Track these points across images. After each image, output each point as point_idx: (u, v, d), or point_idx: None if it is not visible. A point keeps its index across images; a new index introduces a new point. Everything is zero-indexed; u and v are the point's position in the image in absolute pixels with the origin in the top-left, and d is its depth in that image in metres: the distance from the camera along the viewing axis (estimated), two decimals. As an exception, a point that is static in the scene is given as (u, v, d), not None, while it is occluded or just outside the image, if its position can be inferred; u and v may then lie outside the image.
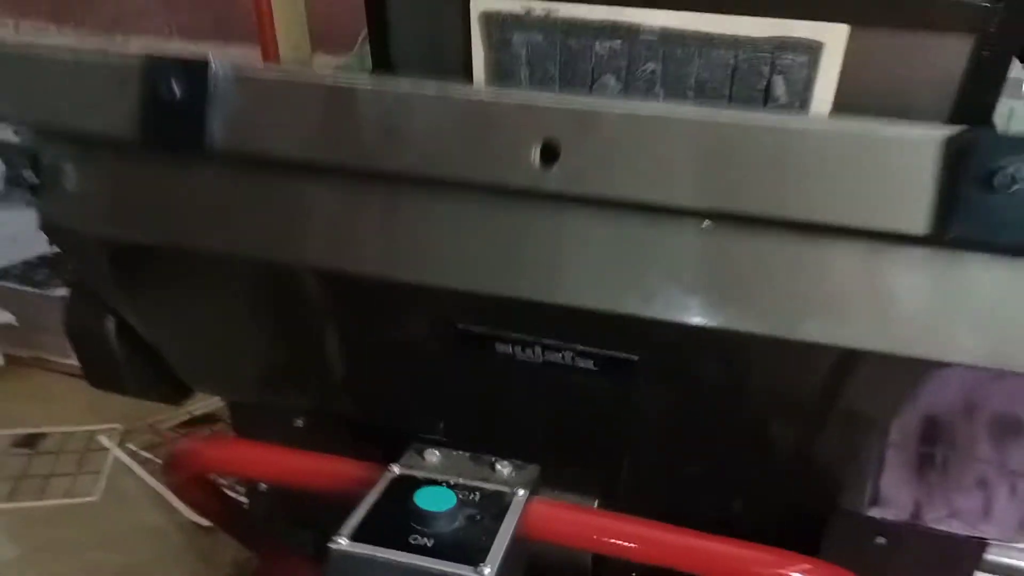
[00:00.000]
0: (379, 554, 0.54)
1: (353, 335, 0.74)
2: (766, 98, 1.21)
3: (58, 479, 1.81)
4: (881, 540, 0.81)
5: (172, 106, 0.62)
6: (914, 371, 0.60)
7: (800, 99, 1.20)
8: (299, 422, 0.94)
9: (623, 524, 0.64)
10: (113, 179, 0.69)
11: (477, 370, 0.70)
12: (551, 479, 0.81)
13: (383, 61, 1.35)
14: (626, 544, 0.63)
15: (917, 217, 0.52)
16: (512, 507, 0.58)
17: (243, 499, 1.00)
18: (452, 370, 0.71)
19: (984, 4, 1.04)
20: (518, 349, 0.68)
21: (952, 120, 1.19)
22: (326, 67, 1.47)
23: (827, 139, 0.53)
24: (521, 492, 0.62)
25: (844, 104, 1.20)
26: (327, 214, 0.64)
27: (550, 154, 0.57)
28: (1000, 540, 0.79)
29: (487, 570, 0.52)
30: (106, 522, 1.66)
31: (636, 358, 0.65)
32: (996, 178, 0.50)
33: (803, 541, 0.79)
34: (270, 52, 1.44)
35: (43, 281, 2.22)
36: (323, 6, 1.44)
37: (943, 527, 0.77)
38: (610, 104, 0.58)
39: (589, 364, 0.67)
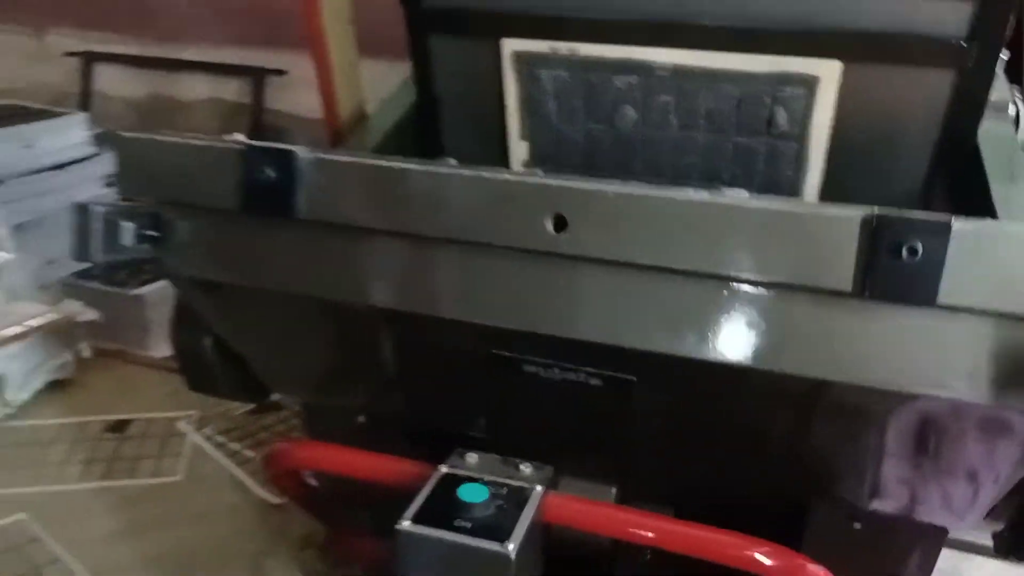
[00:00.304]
0: (432, 533, 0.70)
1: (407, 357, 0.90)
2: (769, 126, 1.34)
3: (145, 461, 2.02)
4: (857, 526, 0.96)
5: (266, 185, 0.79)
6: (867, 395, 0.74)
7: (800, 127, 1.33)
8: (360, 419, 1.12)
9: (617, 512, 0.80)
10: (217, 236, 0.87)
11: (508, 385, 0.86)
12: (576, 472, 0.97)
13: (426, 95, 1.50)
14: (618, 528, 0.79)
15: (845, 278, 0.66)
16: (532, 499, 0.74)
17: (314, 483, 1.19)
18: (488, 385, 0.87)
19: (961, 44, 1.16)
20: (540, 369, 0.84)
21: (941, 142, 1.30)
22: (373, 74, 1.61)
23: (777, 216, 0.67)
24: (539, 488, 0.78)
25: (840, 130, 1.32)
26: (387, 266, 0.80)
27: (561, 224, 0.73)
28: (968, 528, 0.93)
29: (511, 546, 0.68)
30: (189, 500, 1.87)
31: (634, 378, 0.81)
32: (903, 249, 0.64)
33: (789, 530, 0.94)
34: (321, 59, 1.58)
35: (124, 281, 2.45)
36: (369, 14, 1.57)
37: (933, 519, 0.89)
38: (607, 185, 0.73)
39: (598, 382, 0.82)
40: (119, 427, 2.14)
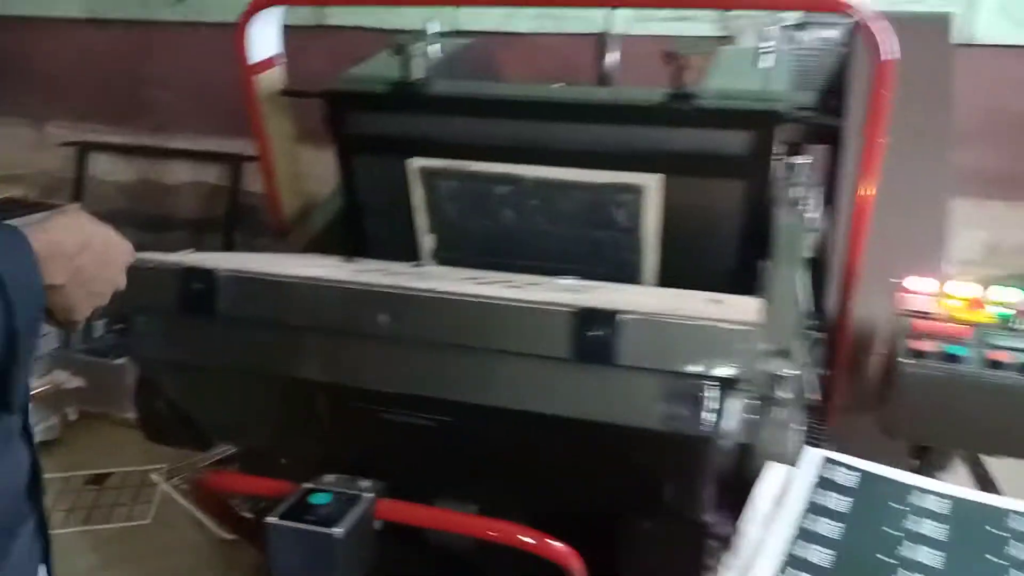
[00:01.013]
0: (289, 524, 1.02)
1: (304, 414, 1.24)
2: (612, 223, 1.69)
3: (120, 508, 2.31)
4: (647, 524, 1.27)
5: (196, 293, 1.13)
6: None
7: (636, 223, 1.68)
8: (283, 460, 1.44)
9: (428, 511, 1.14)
10: (164, 328, 1.21)
11: (373, 427, 1.19)
12: (441, 494, 1.29)
13: (352, 200, 1.86)
14: (430, 520, 1.11)
15: (563, 348, 1.01)
16: (361, 502, 1.06)
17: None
18: (352, 428, 1.20)
19: (742, 160, 1.52)
20: (394, 416, 1.17)
21: (741, 232, 1.65)
22: (310, 160, 1.95)
23: (516, 308, 1.02)
24: (369, 495, 1.10)
25: (668, 224, 1.67)
26: (284, 345, 1.14)
27: (394, 317, 1.08)
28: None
29: (339, 530, 1.00)
30: (157, 539, 2.16)
31: (450, 419, 1.14)
32: (593, 330, 0.99)
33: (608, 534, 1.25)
34: (265, 167, 1.93)
35: (106, 351, 2.76)
36: (306, 112, 1.91)
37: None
38: (420, 287, 1.08)
39: (428, 422, 1.15)
40: (99, 480, 2.44)
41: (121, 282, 0.84)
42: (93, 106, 3.97)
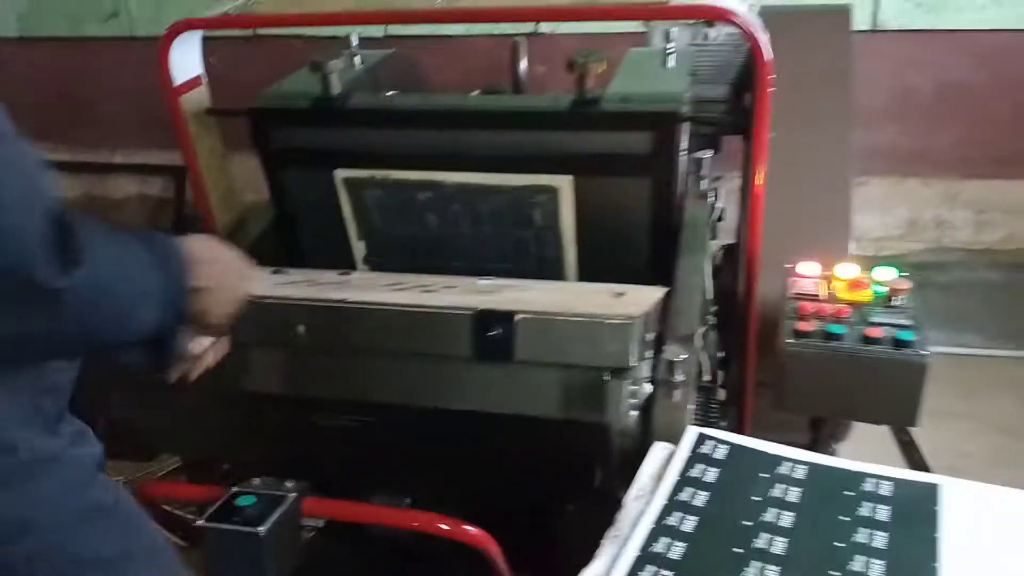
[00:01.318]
0: (217, 525, 1.09)
1: (243, 424, 1.31)
2: (531, 223, 1.78)
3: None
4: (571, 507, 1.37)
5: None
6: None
7: (553, 222, 1.77)
8: (225, 466, 1.51)
9: (345, 505, 1.20)
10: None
11: (305, 431, 1.27)
12: (376, 489, 1.38)
13: (281, 209, 1.92)
14: (350, 514, 1.19)
15: (466, 348, 1.09)
16: (285, 501, 1.13)
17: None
18: (286, 434, 1.27)
19: (647, 159, 1.62)
20: (320, 419, 1.25)
21: (651, 226, 1.74)
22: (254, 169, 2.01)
23: (410, 313, 1.11)
24: (293, 495, 1.16)
25: (583, 222, 1.76)
26: (223, 360, 1.21)
27: (310, 327, 1.15)
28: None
29: (262, 529, 1.08)
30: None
31: (373, 420, 1.22)
32: (492, 330, 1.07)
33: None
34: (193, 169, 1.97)
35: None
36: (241, 123, 1.96)
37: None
38: (333, 297, 1.16)
39: (353, 423, 1.23)
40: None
41: (246, 294, 0.95)
42: (33, 125, 3.92)
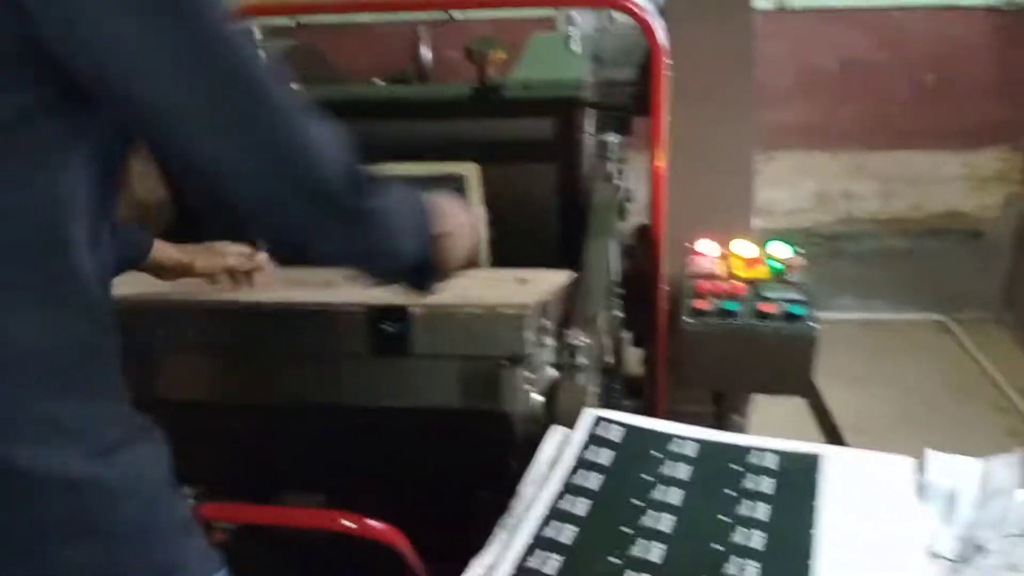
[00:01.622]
0: None
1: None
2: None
3: None
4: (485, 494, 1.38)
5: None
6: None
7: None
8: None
9: (245, 508, 1.18)
10: None
11: (216, 435, 1.25)
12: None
13: (184, 209, 1.88)
14: (248, 517, 1.18)
15: (362, 344, 1.09)
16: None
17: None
18: (196, 439, 1.25)
19: (559, 143, 1.63)
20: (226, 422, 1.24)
21: (560, 212, 1.76)
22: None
23: (312, 312, 1.10)
24: (191, 500, 1.15)
25: (493, 207, 1.77)
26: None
27: (203, 330, 1.13)
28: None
29: None
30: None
31: (276, 421, 1.21)
32: (386, 324, 1.07)
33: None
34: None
35: None
36: None
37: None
38: (227, 299, 1.14)
39: (263, 426, 1.22)
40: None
41: (476, 249, 1.11)
42: None
